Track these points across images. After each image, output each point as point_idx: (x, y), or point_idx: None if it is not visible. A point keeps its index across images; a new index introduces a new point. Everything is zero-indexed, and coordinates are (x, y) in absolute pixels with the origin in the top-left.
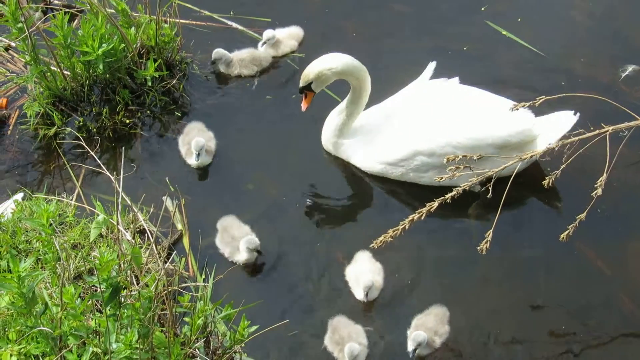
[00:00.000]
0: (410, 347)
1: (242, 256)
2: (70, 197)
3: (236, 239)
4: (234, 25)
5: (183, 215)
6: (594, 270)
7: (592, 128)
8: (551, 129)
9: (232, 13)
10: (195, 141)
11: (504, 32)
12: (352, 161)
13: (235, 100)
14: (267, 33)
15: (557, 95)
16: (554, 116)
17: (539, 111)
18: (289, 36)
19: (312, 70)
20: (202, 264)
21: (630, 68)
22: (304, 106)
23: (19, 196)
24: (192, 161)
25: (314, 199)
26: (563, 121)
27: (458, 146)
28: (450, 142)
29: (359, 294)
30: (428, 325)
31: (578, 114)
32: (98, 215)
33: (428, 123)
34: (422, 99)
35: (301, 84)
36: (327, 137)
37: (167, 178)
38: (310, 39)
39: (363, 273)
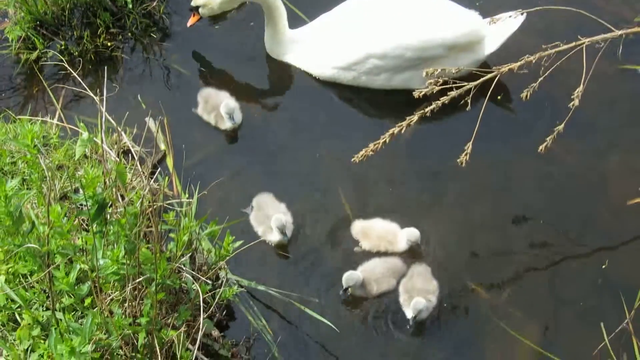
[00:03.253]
0: (409, 314)
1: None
2: (54, 120)
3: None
4: None
5: (166, 134)
6: (573, 182)
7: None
8: (499, 29)
9: None
10: (224, 105)
11: None
12: (302, 66)
13: (214, 22)
14: None
15: (535, 8)
16: (501, 16)
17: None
18: None
19: (196, 1)
20: (187, 182)
21: None
22: (188, 23)
23: None
24: (227, 125)
25: (283, 113)
26: (510, 21)
27: (409, 47)
28: (401, 44)
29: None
30: (417, 287)
31: (525, 14)
32: (82, 134)
33: (378, 26)
34: (369, 3)
35: (192, 3)
36: (268, 46)
37: (139, 96)
38: None
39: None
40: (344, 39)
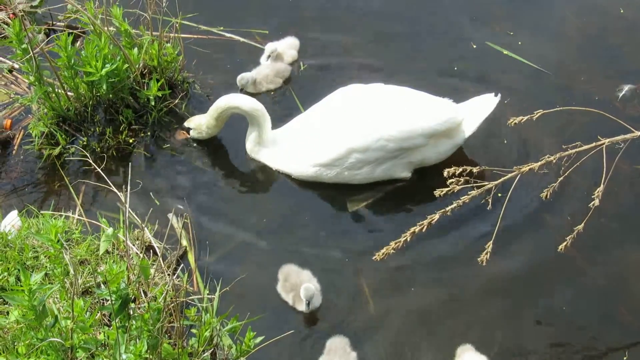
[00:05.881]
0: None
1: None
2: (75, 215)
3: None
4: (236, 37)
5: (189, 231)
6: (592, 281)
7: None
8: (474, 112)
9: (221, 28)
10: (304, 289)
11: (505, 52)
12: (283, 168)
13: (237, 119)
14: (270, 46)
15: (554, 109)
16: (476, 100)
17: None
18: (288, 46)
19: (189, 123)
20: (209, 278)
21: (627, 88)
22: (178, 136)
23: (13, 214)
24: (302, 308)
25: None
26: (485, 104)
27: (391, 139)
28: (383, 135)
29: None
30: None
31: (499, 96)
32: (106, 230)
33: (358, 121)
34: (346, 101)
35: (185, 123)
36: (249, 147)
37: (151, 193)
38: (307, 47)
39: None
40: (323, 137)
